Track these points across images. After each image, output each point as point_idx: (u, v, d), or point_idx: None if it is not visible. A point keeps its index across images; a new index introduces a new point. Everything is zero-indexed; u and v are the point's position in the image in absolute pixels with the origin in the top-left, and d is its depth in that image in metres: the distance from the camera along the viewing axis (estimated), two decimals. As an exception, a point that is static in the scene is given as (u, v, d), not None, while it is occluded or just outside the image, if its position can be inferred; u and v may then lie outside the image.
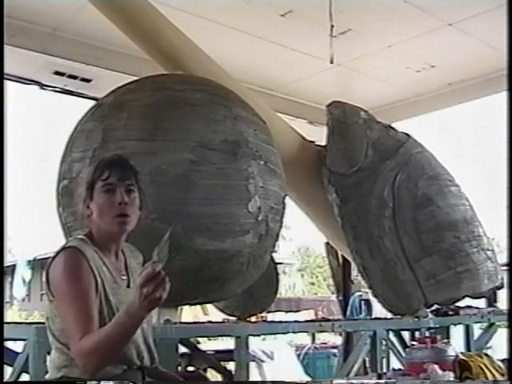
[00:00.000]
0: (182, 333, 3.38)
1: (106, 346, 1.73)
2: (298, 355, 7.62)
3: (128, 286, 2.04)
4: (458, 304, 4.75)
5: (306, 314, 14.56)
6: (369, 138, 4.67)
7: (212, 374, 4.29)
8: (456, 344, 3.94)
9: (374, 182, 4.55)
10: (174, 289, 3.29)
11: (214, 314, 6.49)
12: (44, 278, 1.93)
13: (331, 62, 4.47)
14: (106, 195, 1.97)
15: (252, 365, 5.29)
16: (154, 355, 2.08)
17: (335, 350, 7.21)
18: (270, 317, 9.38)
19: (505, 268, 4.82)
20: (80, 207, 2.05)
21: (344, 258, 6.04)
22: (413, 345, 3.57)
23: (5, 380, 2.83)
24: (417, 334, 4.53)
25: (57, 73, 5.11)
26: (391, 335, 4.36)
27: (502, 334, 4.68)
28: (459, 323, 4.75)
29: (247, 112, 3.62)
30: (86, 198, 2.01)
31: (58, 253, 1.91)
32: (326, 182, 4.58)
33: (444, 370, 3.03)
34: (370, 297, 5.57)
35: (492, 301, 5.30)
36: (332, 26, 4.42)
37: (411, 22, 4.81)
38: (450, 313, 4.73)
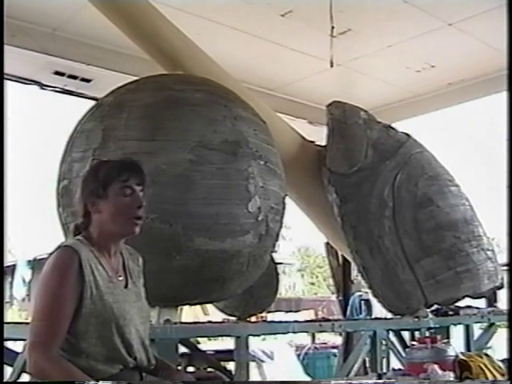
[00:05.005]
0: (182, 333, 3.38)
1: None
2: (298, 355, 7.60)
3: (126, 287, 2.04)
4: (457, 304, 4.75)
5: (306, 314, 14.56)
6: (369, 138, 4.67)
7: (212, 374, 4.29)
8: (456, 344, 3.93)
9: (374, 182, 4.54)
10: (174, 289, 3.32)
11: (214, 314, 6.49)
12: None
13: (331, 66, 4.47)
14: (125, 197, 2.00)
15: (252, 365, 5.28)
16: (150, 355, 2.08)
17: (335, 350, 7.19)
18: (270, 317, 9.38)
19: (505, 268, 4.82)
20: (80, 203, 2.04)
21: (344, 258, 6.04)
22: (413, 345, 3.56)
23: (5, 380, 2.83)
24: (417, 334, 4.53)
25: (57, 73, 5.12)
26: (391, 335, 4.36)
27: (502, 334, 4.68)
28: (459, 323, 4.74)
29: (247, 112, 3.62)
30: (95, 194, 2.00)
31: (53, 251, 1.93)
32: (326, 182, 4.58)
33: (444, 370, 3.02)
34: (370, 297, 5.57)
35: (492, 301, 5.30)
36: (332, 28, 4.42)
37: (411, 22, 4.81)
38: (450, 313, 4.73)
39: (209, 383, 2.22)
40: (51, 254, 1.92)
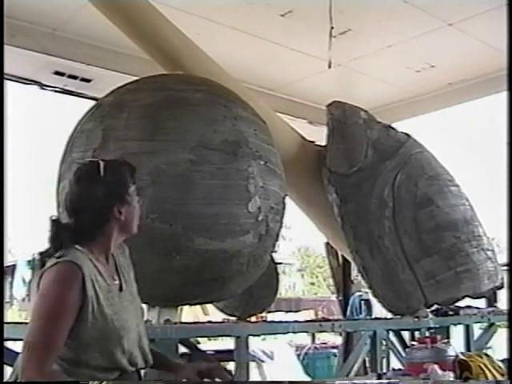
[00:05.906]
0: (182, 333, 3.39)
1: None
2: (298, 355, 7.62)
3: (120, 289, 2.01)
4: (457, 304, 4.75)
5: (306, 314, 14.56)
6: (369, 138, 4.67)
7: (212, 374, 4.28)
8: (456, 344, 3.93)
9: (374, 182, 4.54)
10: (174, 289, 3.32)
11: (214, 314, 6.49)
12: (36, 287, 1.88)
13: (329, 67, 4.48)
14: (136, 198, 2.04)
15: (252, 365, 5.28)
16: (148, 357, 2.06)
17: (335, 350, 7.21)
18: (270, 317, 9.38)
19: (505, 268, 4.82)
20: (100, 211, 1.95)
21: (344, 258, 6.04)
22: (413, 345, 3.56)
23: (5, 380, 2.83)
24: (417, 334, 4.53)
25: (57, 73, 5.12)
26: (391, 335, 4.36)
27: (502, 333, 4.68)
28: (459, 323, 4.74)
29: (247, 112, 3.62)
30: (119, 201, 1.97)
31: (53, 264, 1.85)
32: (326, 181, 4.59)
33: (444, 370, 3.01)
34: (370, 297, 5.57)
35: (492, 301, 5.30)
36: (332, 28, 4.42)
37: (411, 22, 4.81)
38: (450, 313, 4.73)
39: (209, 383, 2.21)
40: (50, 267, 1.85)
